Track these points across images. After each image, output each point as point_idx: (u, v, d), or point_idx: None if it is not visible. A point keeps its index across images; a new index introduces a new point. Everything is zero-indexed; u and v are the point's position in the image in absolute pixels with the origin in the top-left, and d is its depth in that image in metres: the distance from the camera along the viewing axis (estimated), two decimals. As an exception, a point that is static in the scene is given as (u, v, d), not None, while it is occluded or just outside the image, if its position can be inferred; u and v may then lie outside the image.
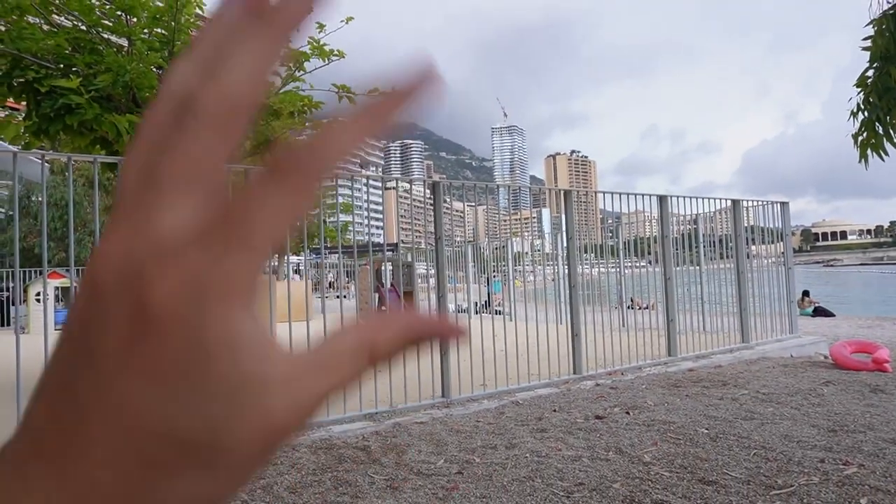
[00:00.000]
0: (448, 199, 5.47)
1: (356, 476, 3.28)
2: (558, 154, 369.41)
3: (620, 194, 6.68)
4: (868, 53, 4.54)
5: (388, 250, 7.14)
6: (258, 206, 0.19)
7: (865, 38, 4.54)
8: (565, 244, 6.25)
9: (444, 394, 5.05)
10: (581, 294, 6.20)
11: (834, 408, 4.32)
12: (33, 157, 4.23)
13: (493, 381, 5.35)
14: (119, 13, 4.78)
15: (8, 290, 15.15)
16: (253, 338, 0.19)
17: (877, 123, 4.58)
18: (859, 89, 4.66)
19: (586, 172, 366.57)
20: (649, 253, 7.85)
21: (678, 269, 7.10)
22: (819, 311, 14.23)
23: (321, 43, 5.22)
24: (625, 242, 9.20)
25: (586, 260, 7.70)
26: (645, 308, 8.08)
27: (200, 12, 5.41)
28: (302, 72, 5.32)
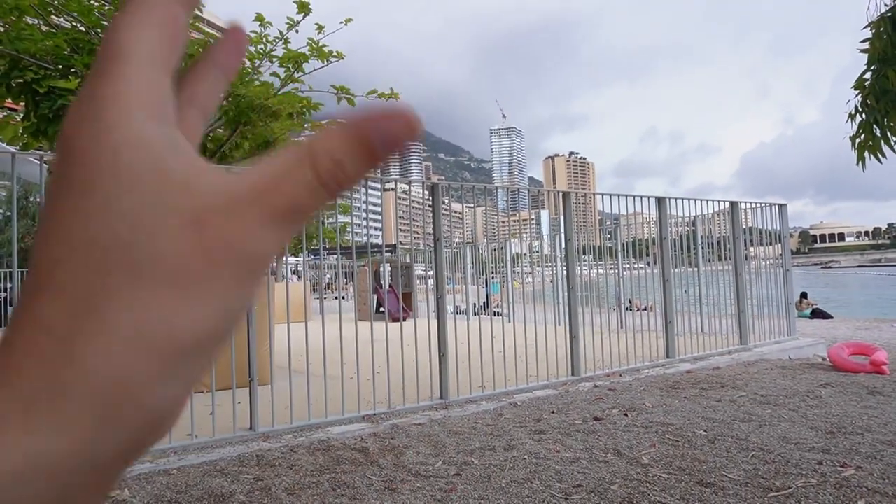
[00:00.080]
0: (447, 201, 5.47)
1: (354, 478, 3.27)
2: (557, 156, 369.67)
3: (619, 196, 6.69)
4: (866, 56, 4.55)
5: (386, 251, 7.14)
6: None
7: (863, 41, 4.55)
8: (564, 246, 6.26)
9: (443, 395, 5.05)
10: (579, 295, 6.21)
11: (832, 410, 4.33)
12: (32, 158, 4.22)
13: (491, 382, 5.34)
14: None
15: (6, 290, 15.12)
16: (159, 135, 0.20)
17: (874, 126, 4.59)
18: (857, 91, 4.67)
19: (585, 174, 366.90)
20: (647, 255, 7.86)
21: (676, 270, 7.11)
22: (817, 313, 14.25)
23: (320, 44, 5.22)
24: (623, 244, 9.22)
25: (585, 261, 7.71)
26: (643, 310, 8.08)
27: (199, 13, 5.41)
28: (301, 73, 5.32)
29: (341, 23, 5.28)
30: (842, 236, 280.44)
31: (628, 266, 8.88)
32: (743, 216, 7.68)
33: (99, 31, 4.62)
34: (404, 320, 7.83)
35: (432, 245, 5.33)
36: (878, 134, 4.58)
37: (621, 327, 7.28)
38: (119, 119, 0.19)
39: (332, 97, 5.23)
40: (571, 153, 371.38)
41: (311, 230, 8.13)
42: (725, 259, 7.63)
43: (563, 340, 5.95)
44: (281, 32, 5.19)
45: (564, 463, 3.39)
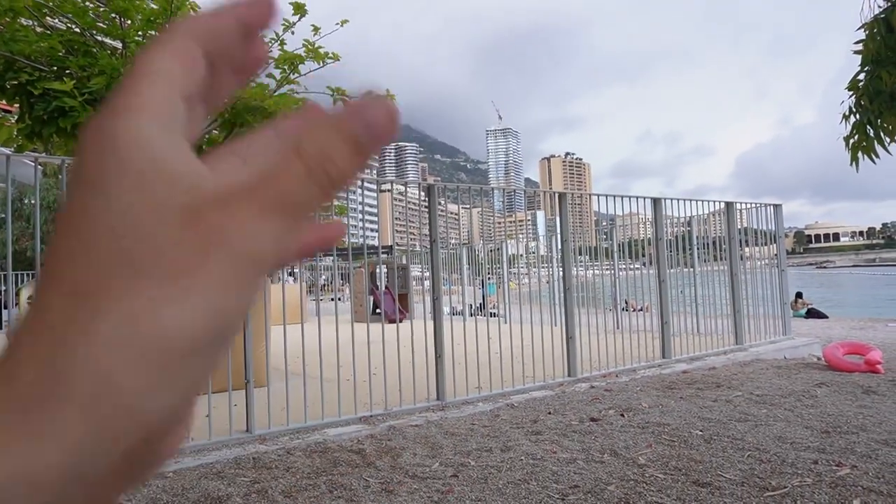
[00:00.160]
0: (443, 202, 5.48)
1: (351, 479, 3.27)
2: (553, 156, 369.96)
3: (615, 197, 6.70)
4: (860, 57, 4.58)
5: (382, 253, 7.13)
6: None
7: (857, 42, 4.57)
8: (560, 246, 6.27)
9: (439, 396, 5.05)
10: (576, 296, 6.21)
11: (827, 409, 4.34)
12: (26, 160, 4.21)
13: (487, 383, 5.34)
14: (113, 16, 4.76)
15: (0, 293, 15.04)
16: (164, 140, 0.20)
17: (868, 126, 4.62)
18: (851, 92, 4.69)
19: (581, 175, 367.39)
20: (643, 255, 7.87)
21: (672, 271, 7.13)
22: (812, 313, 14.31)
23: (316, 46, 5.21)
24: (619, 245, 9.23)
25: (581, 262, 7.72)
26: (639, 310, 8.10)
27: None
28: (296, 74, 5.31)
29: (337, 24, 5.28)
30: (837, 236, 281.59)
31: (624, 266, 8.90)
32: (738, 217, 7.71)
33: (94, 32, 4.61)
34: (401, 322, 7.83)
35: (428, 246, 5.34)
36: (872, 134, 4.60)
37: (617, 328, 7.29)
38: (129, 125, 0.20)
39: (328, 99, 5.23)
40: (568, 154, 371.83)
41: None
42: (721, 259, 7.65)
43: (559, 341, 5.96)
44: (276, 34, 5.18)
45: (561, 464, 3.39)
